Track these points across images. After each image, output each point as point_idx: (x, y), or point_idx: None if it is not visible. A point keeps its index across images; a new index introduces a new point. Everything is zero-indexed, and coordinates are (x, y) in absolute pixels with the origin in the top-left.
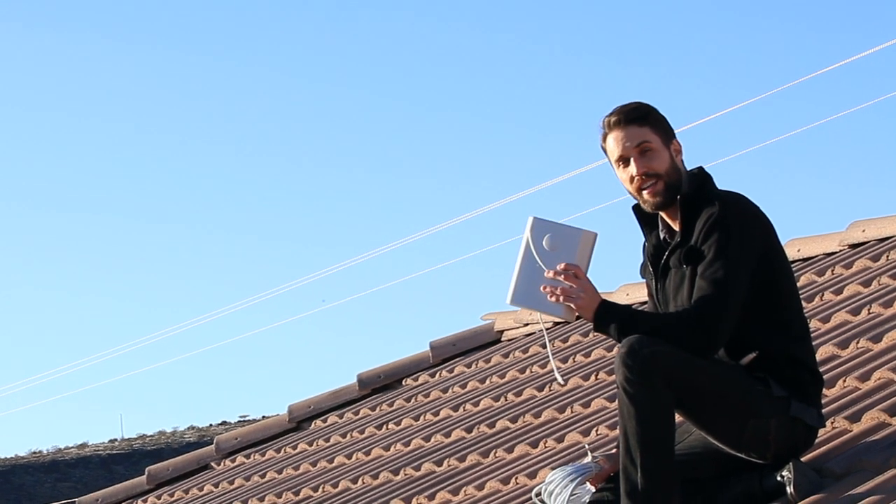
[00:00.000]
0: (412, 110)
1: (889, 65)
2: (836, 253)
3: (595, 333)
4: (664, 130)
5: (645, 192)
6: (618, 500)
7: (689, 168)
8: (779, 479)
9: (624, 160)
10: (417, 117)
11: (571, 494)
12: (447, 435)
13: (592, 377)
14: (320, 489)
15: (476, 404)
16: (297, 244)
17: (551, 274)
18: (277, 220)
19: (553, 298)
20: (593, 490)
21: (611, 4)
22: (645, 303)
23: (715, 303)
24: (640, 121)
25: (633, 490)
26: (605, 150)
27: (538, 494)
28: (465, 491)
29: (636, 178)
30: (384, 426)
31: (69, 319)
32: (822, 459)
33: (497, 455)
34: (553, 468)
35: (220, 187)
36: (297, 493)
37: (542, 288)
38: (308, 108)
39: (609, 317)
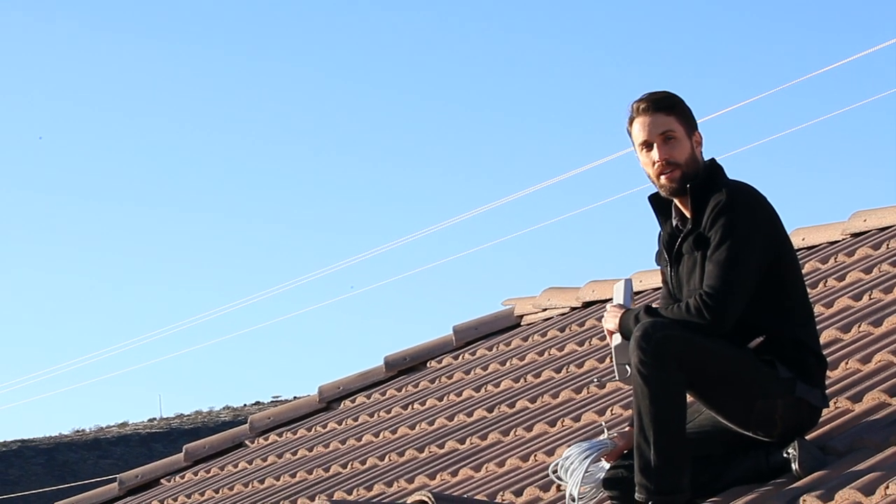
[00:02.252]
0: (435, 104)
1: (890, 63)
2: (838, 241)
3: None
4: (688, 121)
5: (663, 178)
6: (631, 476)
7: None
8: (784, 456)
9: (647, 145)
10: (441, 110)
11: (587, 471)
12: (469, 414)
13: (608, 360)
14: (349, 466)
15: (497, 385)
16: (327, 233)
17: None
18: (308, 210)
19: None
20: (608, 466)
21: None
22: (659, 289)
23: (722, 282)
24: (667, 110)
25: (646, 466)
26: (629, 133)
27: (555, 471)
28: (486, 468)
29: (657, 163)
30: (409, 406)
31: (111, 305)
32: (825, 438)
33: (517, 433)
34: (570, 446)
35: (252, 178)
36: (326, 470)
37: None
38: (340, 101)
39: (630, 320)
